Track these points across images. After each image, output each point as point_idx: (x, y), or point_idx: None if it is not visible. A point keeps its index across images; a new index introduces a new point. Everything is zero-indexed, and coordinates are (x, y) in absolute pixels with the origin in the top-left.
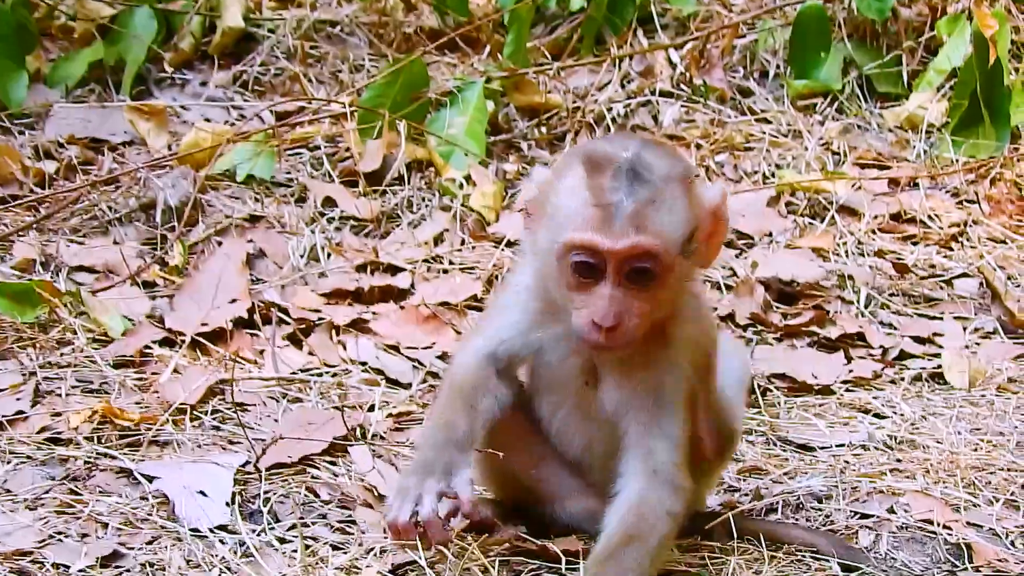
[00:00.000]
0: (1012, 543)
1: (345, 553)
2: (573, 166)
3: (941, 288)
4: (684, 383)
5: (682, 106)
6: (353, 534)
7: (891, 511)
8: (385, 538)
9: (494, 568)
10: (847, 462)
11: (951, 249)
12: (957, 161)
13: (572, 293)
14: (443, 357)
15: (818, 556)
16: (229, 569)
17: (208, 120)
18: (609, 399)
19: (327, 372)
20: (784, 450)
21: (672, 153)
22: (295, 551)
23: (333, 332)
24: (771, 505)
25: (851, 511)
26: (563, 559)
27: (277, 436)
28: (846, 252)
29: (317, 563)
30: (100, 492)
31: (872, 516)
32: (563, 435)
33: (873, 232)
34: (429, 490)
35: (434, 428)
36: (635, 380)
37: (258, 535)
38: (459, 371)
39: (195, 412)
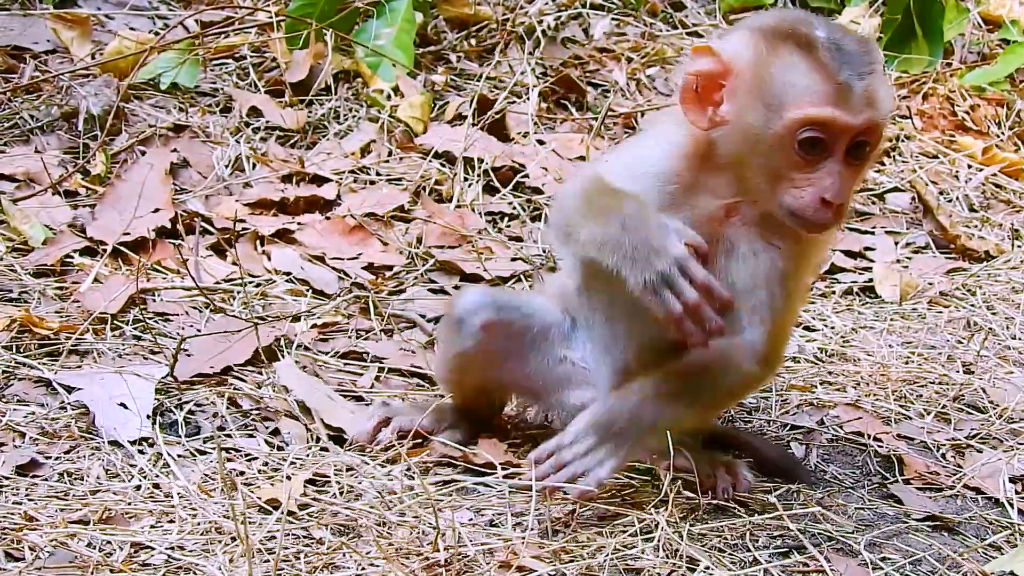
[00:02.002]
0: (943, 455)
1: (266, 464)
2: (781, 42)
3: (873, 203)
4: (806, 271)
5: (613, 19)
6: (275, 445)
7: (821, 423)
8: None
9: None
10: (778, 374)
11: (883, 164)
12: (890, 76)
13: (790, 171)
14: (369, 268)
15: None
16: (147, 479)
17: (133, 29)
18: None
19: (251, 282)
20: None
21: (848, 29)
22: (215, 462)
23: (257, 242)
24: None
25: (782, 423)
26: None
27: (182, 338)
28: None
29: (236, 474)
30: (18, 401)
31: (802, 428)
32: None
33: None
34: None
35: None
36: (759, 260)
37: (178, 446)
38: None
39: (116, 322)
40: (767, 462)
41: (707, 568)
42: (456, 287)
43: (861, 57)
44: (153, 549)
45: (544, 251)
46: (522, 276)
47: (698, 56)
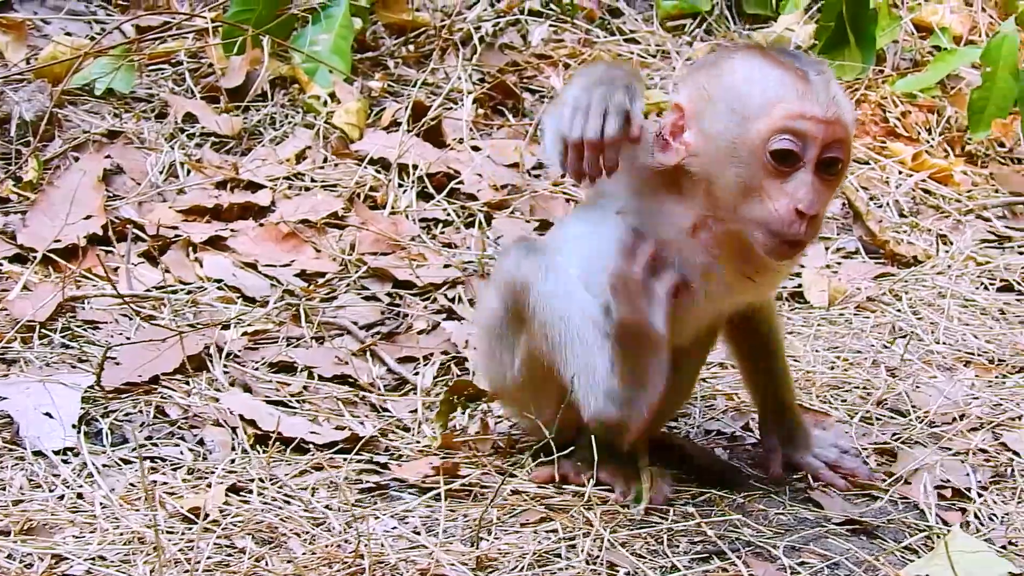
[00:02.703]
0: (864, 460)
1: (190, 473)
2: (727, 56)
3: None
4: None
5: (551, 25)
6: (200, 454)
7: (746, 428)
8: (232, 458)
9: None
10: (704, 379)
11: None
12: None
13: (762, 182)
14: (301, 275)
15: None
16: (71, 489)
17: (68, 34)
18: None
19: (182, 290)
20: None
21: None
22: (144, 471)
23: (190, 249)
24: None
25: (706, 429)
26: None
27: (107, 347)
28: None
29: (160, 484)
30: None
31: (727, 434)
32: None
33: None
34: (616, 106)
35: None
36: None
37: (103, 455)
38: None
39: (44, 330)
40: (704, 469)
41: (628, 574)
42: (388, 294)
43: (805, 58)
44: (73, 560)
45: (477, 258)
46: (455, 283)
47: (668, 113)
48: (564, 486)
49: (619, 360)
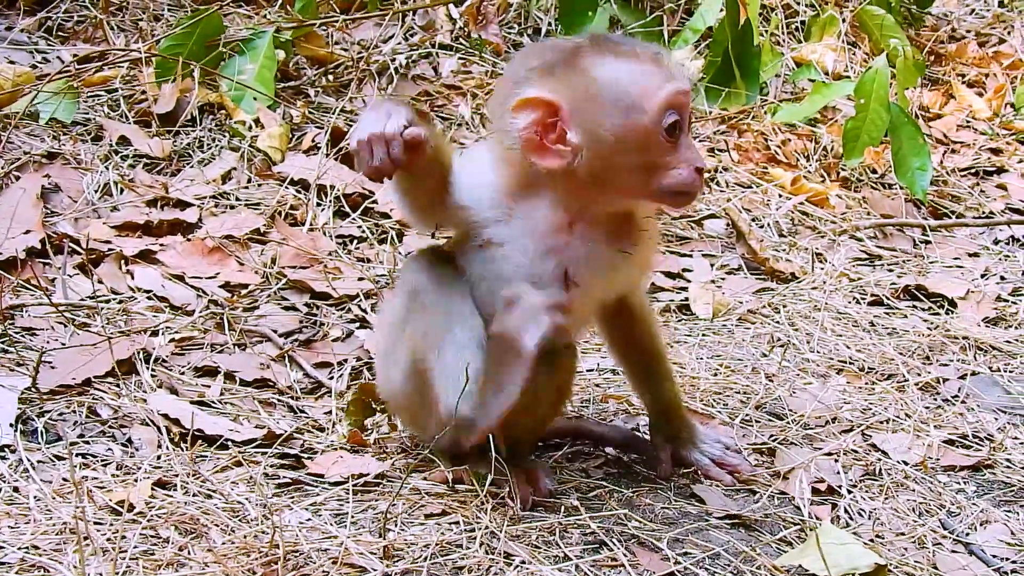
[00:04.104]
0: (745, 458)
1: (119, 468)
2: (586, 57)
3: (692, 228)
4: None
5: (460, 58)
6: (128, 450)
7: (636, 429)
8: (158, 453)
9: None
10: (597, 385)
11: (702, 193)
12: (710, 113)
13: (662, 157)
14: (225, 286)
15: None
16: (7, 484)
17: (12, 63)
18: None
19: (114, 299)
20: None
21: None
22: (75, 467)
23: (122, 262)
24: None
25: None
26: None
27: (42, 351)
28: None
29: (91, 479)
30: None
31: None
32: None
33: None
34: (399, 115)
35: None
36: (617, 272)
37: (38, 452)
38: None
39: None
40: (617, 445)
41: (523, 562)
42: (306, 304)
43: (640, 42)
44: (8, 549)
45: (389, 271)
46: (368, 295)
47: (522, 110)
48: (459, 485)
49: (486, 366)
